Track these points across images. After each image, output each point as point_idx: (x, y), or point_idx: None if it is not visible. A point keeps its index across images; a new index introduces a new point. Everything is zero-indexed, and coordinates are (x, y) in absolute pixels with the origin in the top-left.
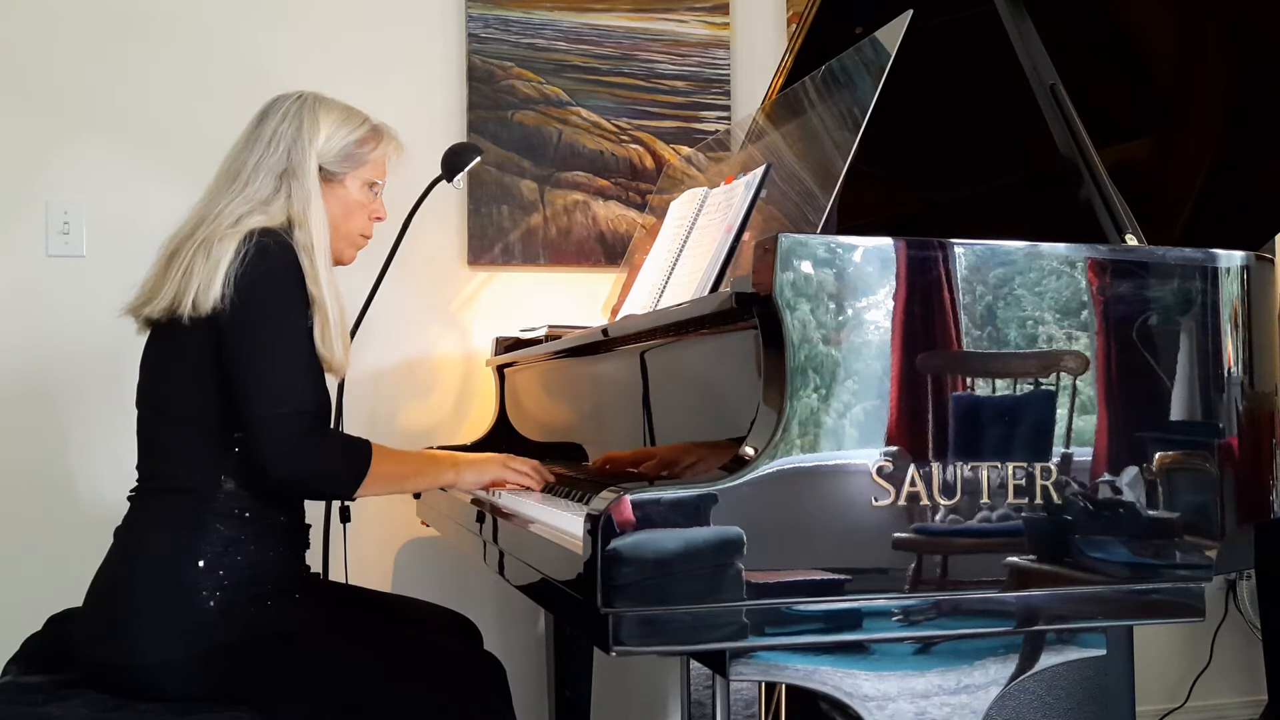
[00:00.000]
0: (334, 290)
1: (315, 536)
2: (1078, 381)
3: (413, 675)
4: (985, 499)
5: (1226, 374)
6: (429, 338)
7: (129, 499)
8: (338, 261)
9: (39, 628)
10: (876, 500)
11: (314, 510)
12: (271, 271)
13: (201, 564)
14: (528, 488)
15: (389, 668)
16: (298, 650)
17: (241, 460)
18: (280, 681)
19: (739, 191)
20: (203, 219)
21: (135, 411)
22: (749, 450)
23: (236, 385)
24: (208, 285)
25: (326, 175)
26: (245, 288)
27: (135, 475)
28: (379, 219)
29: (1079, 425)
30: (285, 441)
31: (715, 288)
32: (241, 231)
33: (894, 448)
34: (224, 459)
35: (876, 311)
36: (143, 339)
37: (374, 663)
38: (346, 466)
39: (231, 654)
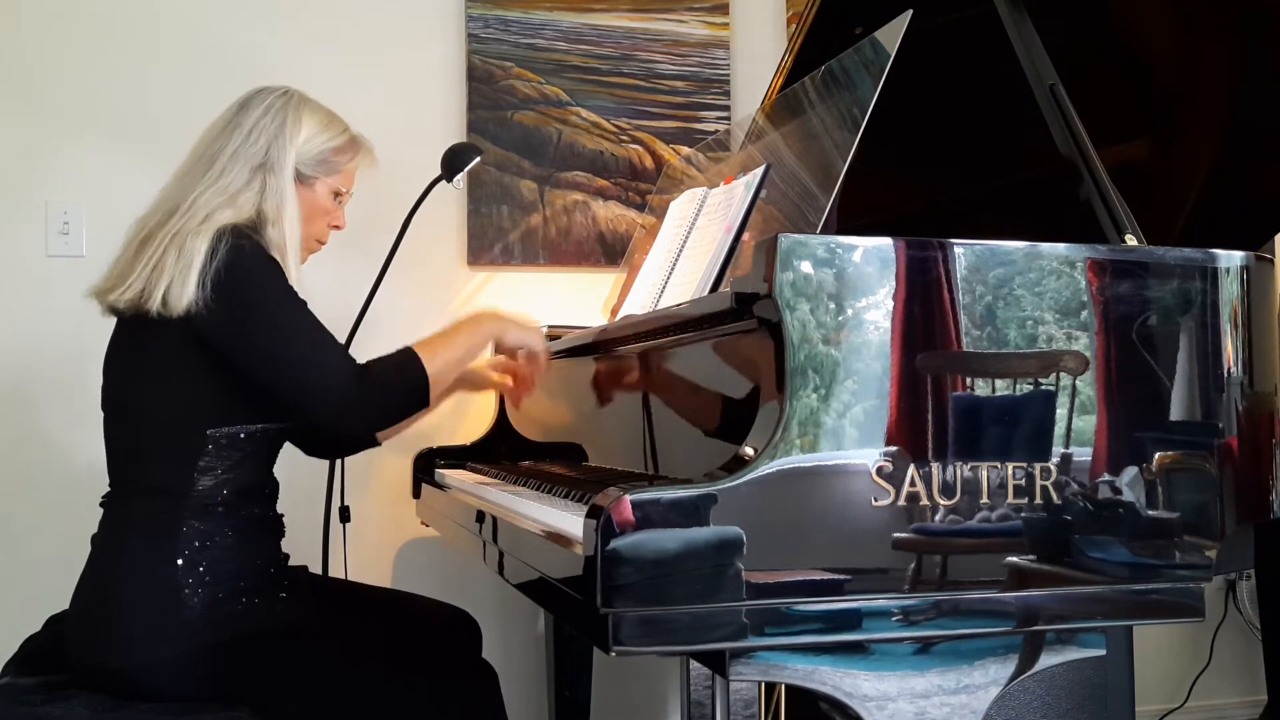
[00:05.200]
0: (303, 290)
1: (314, 537)
2: (1077, 381)
3: (407, 676)
4: (985, 499)
5: (1226, 374)
6: None
7: (101, 505)
8: None
9: (38, 628)
10: (876, 500)
11: (314, 510)
12: (252, 271)
13: (181, 562)
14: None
15: (384, 668)
16: (292, 649)
17: (215, 457)
18: (276, 681)
19: (739, 191)
20: (176, 206)
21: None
22: (749, 450)
23: (271, 383)
24: (181, 285)
25: (298, 176)
26: (231, 291)
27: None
28: (337, 228)
29: (1079, 425)
30: (345, 403)
31: (715, 288)
32: (211, 230)
33: (894, 448)
34: (195, 456)
35: (876, 311)
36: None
37: (369, 663)
38: (409, 385)
39: (224, 653)
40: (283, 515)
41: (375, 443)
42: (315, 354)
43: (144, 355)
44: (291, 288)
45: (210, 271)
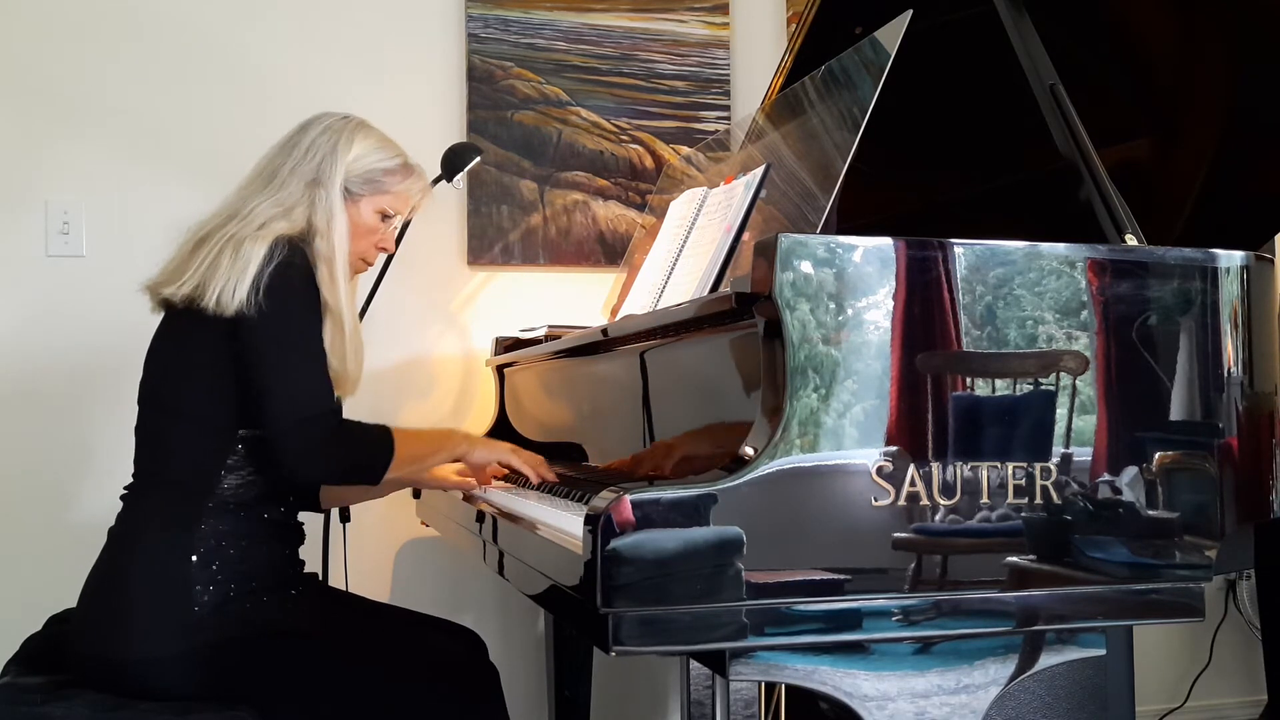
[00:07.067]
0: (350, 303)
1: (314, 537)
2: (1077, 381)
3: (411, 677)
4: (985, 499)
5: (1226, 374)
6: (429, 338)
7: (122, 497)
8: None
9: (39, 628)
10: (876, 500)
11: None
12: (294, 284)
13: (195, 559)
14: (526, 478)
15: (387, 669)
16: (295, 649)
17: (243, 457)
18: (277, 681)
19: (739, 191)
20: (235, 213)
21: (135, 410)
22: (749, 450)
23: (260, 393)
24: (234, 285)
25: (346, 193)
26: (269, 297)
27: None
28: (384, 249)
29: (1079, 425)
30: (312, 443)
31: (715, 288)
32: (269, 237)
33: (894, 448)
34: (224, 455)
35: (876, 311)
36: (144, 335)
37: (372, 664)
38: (371, 456)
39: (228, 652)
40: (303, 523)
41: (315, 505)
42: (307, 384)
43: (187, 351)
44: (319, 322)
45: (265, 278)
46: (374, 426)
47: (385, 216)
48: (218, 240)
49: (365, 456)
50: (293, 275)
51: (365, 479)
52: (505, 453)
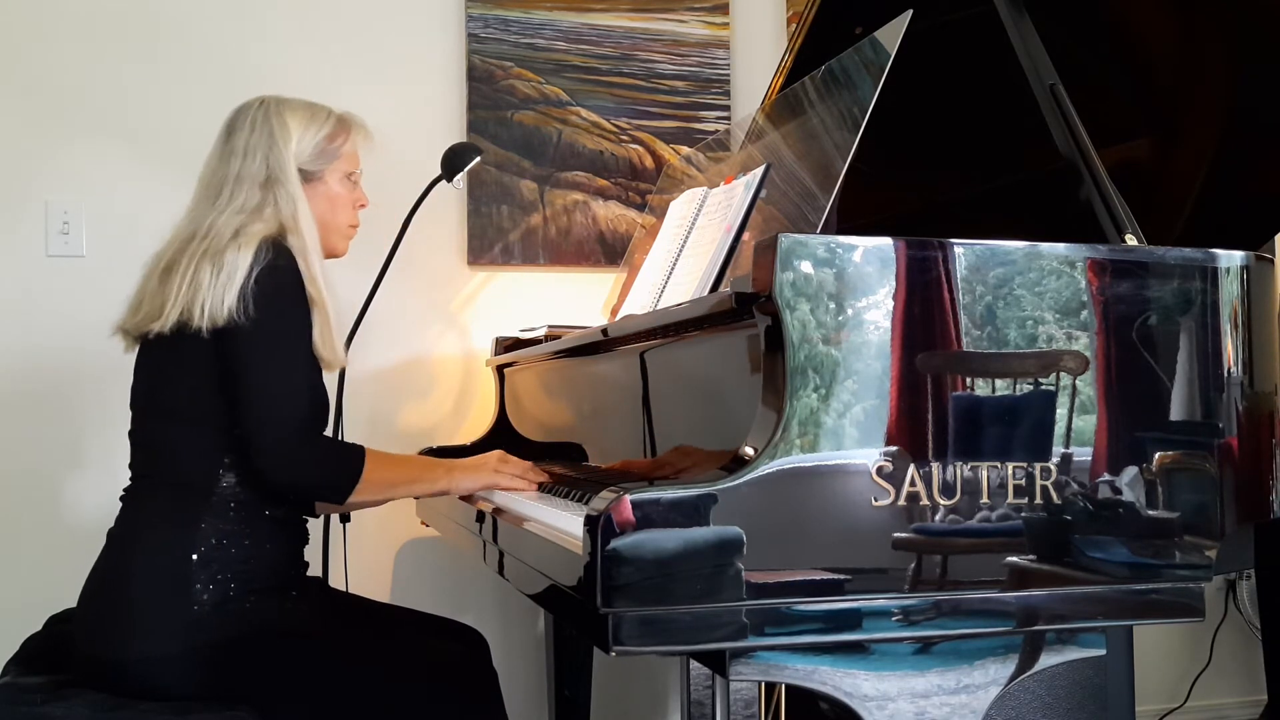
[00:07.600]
0: (329, 287)
1: (314, 537)
2: (1077, 381)
3: (410, 677)
4: (985, 499)
5: (1226, 374)
6: (429, 338)
7: (121, 498)
8: (331, 254)
9: (39, 628)
10: (876, 500)
11: None
12: (283, 288)
13: (196, 558)
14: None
15: (387, 669)
16: (296, 649)
17: (242, 455)
18: (278, 681)
19: (739, 191)
20: (193, 234)
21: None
22: (749, 450)
23: (238, 394)
24: (222, 293)
25: (306, 175)
26: (259, 302)
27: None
28: (363, 206)
29: (1079, 425)
30: (280, 450)
31: (715, 288)
32: (253, 242)
33: (894, 448)
34: (224, 453)
35: (876, 311)
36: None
37: (372, 664)
38: (338, 473)
39: (228, 651)
40: (307, 521)
41: (311, 509)
42: (286, 391)
43: (180, 354)
44: (308, 327)
45: (251, 282)
46: (349, 446)
47: (349, 175)
48: (189, 260)
49: (330, 475)
50: (281, 278)
51: (328, 498)
52: (489, 475)
